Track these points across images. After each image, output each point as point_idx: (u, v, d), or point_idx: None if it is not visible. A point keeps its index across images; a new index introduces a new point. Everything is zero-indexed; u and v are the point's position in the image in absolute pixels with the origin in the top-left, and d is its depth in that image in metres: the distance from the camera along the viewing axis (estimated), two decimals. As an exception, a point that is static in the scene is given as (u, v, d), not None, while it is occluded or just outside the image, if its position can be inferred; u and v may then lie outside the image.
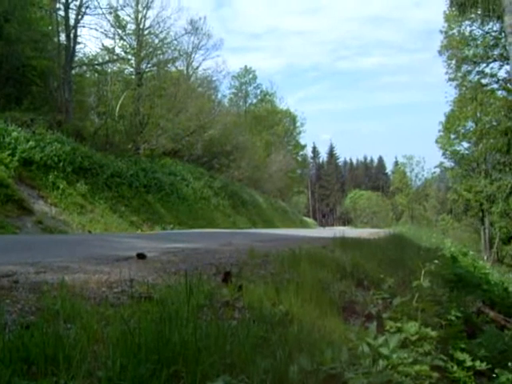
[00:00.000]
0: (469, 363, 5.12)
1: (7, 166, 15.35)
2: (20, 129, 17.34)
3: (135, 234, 16.06)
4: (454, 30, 38.40)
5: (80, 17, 25.08)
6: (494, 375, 5.34)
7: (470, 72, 38.37)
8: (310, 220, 69.47)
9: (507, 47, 13.79)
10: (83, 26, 26.47)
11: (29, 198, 15.37)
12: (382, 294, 5.12)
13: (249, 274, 4.68)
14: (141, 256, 5.32)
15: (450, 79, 39.73)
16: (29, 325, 2.45)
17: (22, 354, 2.11)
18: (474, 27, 36.72)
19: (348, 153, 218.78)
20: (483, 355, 5.65)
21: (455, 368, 4.87)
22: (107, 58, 29.81)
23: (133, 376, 1.92)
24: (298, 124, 69.70)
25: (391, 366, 3.13)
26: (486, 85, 38.20)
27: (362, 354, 2.98)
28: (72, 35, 24.71)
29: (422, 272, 5.01)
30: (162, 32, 31.84)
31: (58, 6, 24.91)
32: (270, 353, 2.49)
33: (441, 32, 39.32)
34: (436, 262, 5.78)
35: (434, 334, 4.21)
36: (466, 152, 42.89)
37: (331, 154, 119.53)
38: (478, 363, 5.19)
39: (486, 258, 32.93)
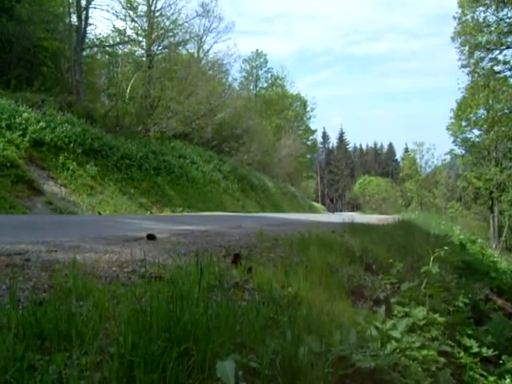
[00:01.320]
0: (475, 349, 5.14)
1: (18, 147, 15.44)
2: (31, 109, 17.42)
3: (145, 215, 16.13)
4: (468, 16, 37.95)
5: (91, -2, 25.03)
6: (501, 362, 5.37)
7: (482, 59, 37.98)
8: (318, 205, 69.60)
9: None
10: (94, 8, 26.47)
11: (39, 178, 15.46)
12: (391, 278, 5.13)
13: (258, 257, 4.69)
14: (151, 237, 5.35)
15: (463, 66, 39.34)
16: (41, 302, 2.48)
17: (35, 330, 2.14)
18: (487, 13, 36.39)
19: (358, 138, 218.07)
20: (490, 342, 5.68)
21: (462, 354, 4.89)
22: (118, 39, 29.77)
23: (144, 353, 1.94)
24: (309, 109, 69.73)
25: (399, 350, 3.14)
26: (499, 72, 37.83)
27: (370, 337, 2.99)
28: (83, 16, 24.68)
29: (431, 258, 5.02)
30: (173, 14, 31.79)
31: (69, -14, 24.86)
32: (279, 334, 2.51)
33: (454, 18, 38.93)
34: (445, 248, 5.79)
35: (441, 319, 4.23)
36: (477, 139, 42.59)
37: (341, 139, 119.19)
38: (484, 350, 5.21)
39: (494, 246, 32.89)
